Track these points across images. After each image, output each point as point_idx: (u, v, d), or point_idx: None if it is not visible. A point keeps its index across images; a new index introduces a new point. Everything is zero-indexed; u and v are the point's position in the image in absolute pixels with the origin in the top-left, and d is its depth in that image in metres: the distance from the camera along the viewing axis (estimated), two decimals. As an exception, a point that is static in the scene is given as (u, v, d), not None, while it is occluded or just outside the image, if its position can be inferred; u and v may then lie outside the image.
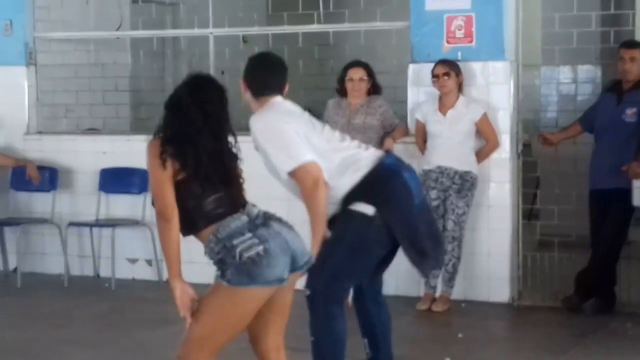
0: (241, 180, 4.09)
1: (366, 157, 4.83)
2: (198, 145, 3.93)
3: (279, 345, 4.17)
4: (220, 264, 3.89)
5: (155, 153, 3.93)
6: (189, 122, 3.95)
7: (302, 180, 4.67)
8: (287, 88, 4.92)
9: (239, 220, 3.93)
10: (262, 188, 4.92)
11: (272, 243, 3.89)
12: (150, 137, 4.01)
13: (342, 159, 4.79)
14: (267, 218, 4.00)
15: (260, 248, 3.85)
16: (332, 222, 4.80)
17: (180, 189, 3.93)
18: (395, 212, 4.72)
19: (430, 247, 4.82)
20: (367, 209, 4.72)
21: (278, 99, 4.84)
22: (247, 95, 4.86)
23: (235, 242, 3.86)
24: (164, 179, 3.91)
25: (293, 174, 4.69)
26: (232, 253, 3.85)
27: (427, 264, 4.86)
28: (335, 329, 4.76)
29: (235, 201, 4.01)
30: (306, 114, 4.94)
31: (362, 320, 5.14)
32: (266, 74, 4.85)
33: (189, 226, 3.97)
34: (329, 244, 4.72)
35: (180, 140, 3.93)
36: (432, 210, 5.21)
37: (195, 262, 4.32)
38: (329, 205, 4.74)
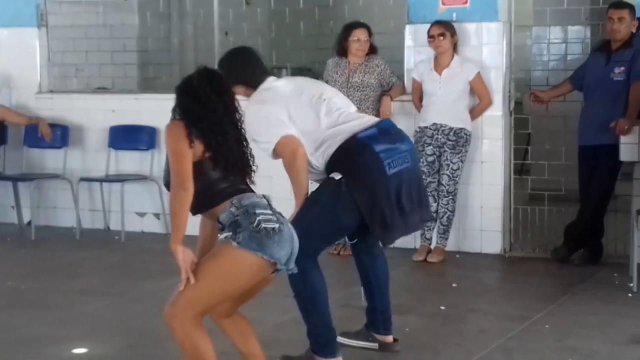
0: (254, 168, 4.22)
1: (346, 131, 4.88)
2: (226, 131, 4.08)
3: (234, 313, 4.29)
4: (234, 225, 3.95)
5: (181, 132, 4.00)
6: (212, 110, 4.07)
7: (282, 153, 4.82)
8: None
9: (259, 198, 4.06)
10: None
11: (285, 227, 4.01)
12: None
13: (327, 135, 4.88)
14: (278, 211, 4.14)
15: (276, 225, 3.96)
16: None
17: (198, 170, 4.02)
18: (358, 182, 4.77)
19: (404, 212, 4.83)
20: (337, 175, 4.81)
21: (264, 85, 4.98)
22: (242, 91, 4.93)
23: (257, 211, 3.96)
24: (188, 156, 4.00)
25: (275, 152, 4.84)
26: (251, 219, 3.93)
27: (388, 236, 4.90)
28: (310, 281, 4.81)
29: (249, 185, 4.18)
30: (296, 92, 5.01)
31: (358, 270, 5.25)
32: (254, 63, 5.05)
33: (205, 204, 4.08)
34: (306, 203, 4.84)
35: (207, 125, 4.05)
36: (420, 175, 5.24)
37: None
38: (317, 174, 4.90)
